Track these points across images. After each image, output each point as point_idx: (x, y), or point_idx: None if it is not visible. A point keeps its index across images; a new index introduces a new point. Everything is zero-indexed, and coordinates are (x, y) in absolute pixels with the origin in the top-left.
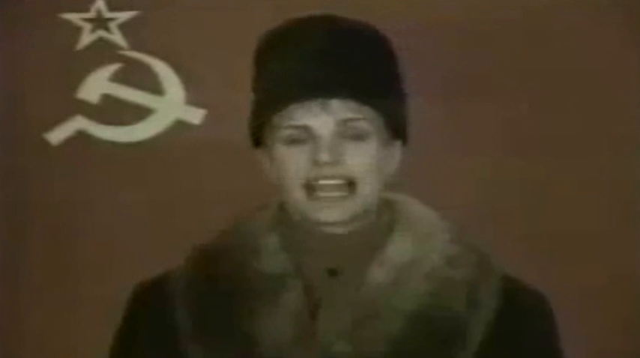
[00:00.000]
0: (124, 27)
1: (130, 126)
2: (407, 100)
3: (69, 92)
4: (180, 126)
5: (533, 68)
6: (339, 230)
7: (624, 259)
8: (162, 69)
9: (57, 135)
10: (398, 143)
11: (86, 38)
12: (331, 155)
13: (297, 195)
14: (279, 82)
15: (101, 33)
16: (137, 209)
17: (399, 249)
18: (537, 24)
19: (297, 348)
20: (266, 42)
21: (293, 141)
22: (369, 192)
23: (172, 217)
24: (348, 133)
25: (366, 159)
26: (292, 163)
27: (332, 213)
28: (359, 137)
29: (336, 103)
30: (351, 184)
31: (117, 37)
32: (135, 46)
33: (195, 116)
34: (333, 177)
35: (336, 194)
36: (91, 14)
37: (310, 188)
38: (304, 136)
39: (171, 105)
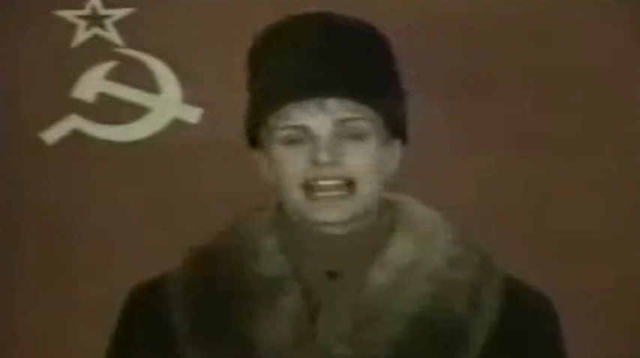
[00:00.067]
0: (119, 24)
1: (126, 125)
2: (406, 99)
3: (64, 90)
4: (177, 125)
5: (536, 66)
6: (338, 230)
7: (630, 260)
8: (158, 67)
9: (52, 135)
10: (397, 142)
11: (81, 36)
12: (330, 155)
13: (296, 195)
14: (275, 81)
15: (96, 30)
16: (134, 209)
17: (400, 250)
18: (541, 21)
19: (296, 351)
20: (262, 40)
21: (291, 142)
22: (369, 192)
23: (169, 218)
24: (347, 133)
25: (365, 159)
26: (290, 164)
27: (331, 212)
28: (358, 137)
29: (333, 103)
30: (350, 184)
31: (112, 35)
32: (131, 44)
33: (193, 115)
34: (332, 178)
35: (335, 194)
36: (86, 11)
37: (309, 188)
38: (302, 136)
39: (167, 104)
